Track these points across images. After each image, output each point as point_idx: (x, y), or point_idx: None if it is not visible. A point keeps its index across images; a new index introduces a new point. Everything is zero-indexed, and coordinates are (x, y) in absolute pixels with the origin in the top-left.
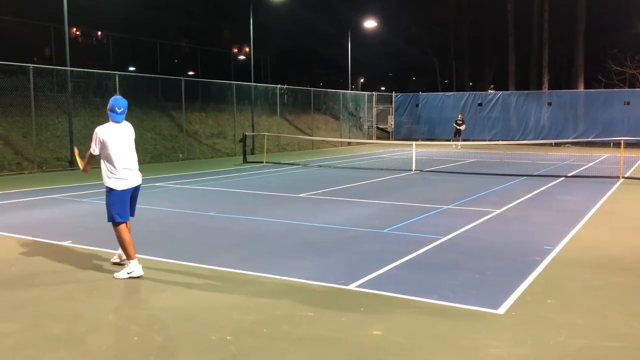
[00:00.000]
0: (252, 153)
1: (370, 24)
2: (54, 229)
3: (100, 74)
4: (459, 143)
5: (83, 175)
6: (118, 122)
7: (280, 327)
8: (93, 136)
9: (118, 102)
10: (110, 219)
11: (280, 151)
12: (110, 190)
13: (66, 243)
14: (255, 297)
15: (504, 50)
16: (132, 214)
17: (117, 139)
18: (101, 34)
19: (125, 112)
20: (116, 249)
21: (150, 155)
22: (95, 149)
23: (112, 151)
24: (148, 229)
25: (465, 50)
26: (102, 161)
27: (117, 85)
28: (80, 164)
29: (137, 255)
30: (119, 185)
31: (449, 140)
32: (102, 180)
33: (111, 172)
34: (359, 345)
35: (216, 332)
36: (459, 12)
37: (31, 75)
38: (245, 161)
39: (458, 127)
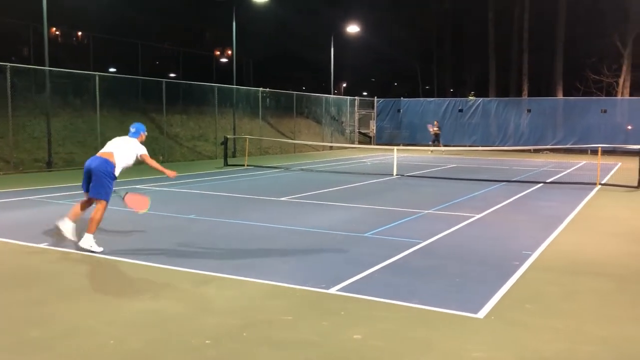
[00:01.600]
0: (234, 156)
1: (353, 29)
2: (31, 231)
3: (80, 74)
4: (442, 148)
5: (60, 178)
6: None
7: (260, 331)
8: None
9: (134, 124)
10: None
11: (262, 154)
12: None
13: (42, 245)
14: (235, 301)
15: (484, 57)
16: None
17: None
18: (81, 34)
19: (140, 132)
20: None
21: None
22: None
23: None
24: (126, 231)
25: (447, 56)
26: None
27: (97, 86)
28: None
29: (117, 257)
30: None
31: (429, 146)
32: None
33: None
34: (340, 350)
35: (195, 336)
36: (441, 19)
37: (8, 75)
38: (226, 164)
39: (434, 133)
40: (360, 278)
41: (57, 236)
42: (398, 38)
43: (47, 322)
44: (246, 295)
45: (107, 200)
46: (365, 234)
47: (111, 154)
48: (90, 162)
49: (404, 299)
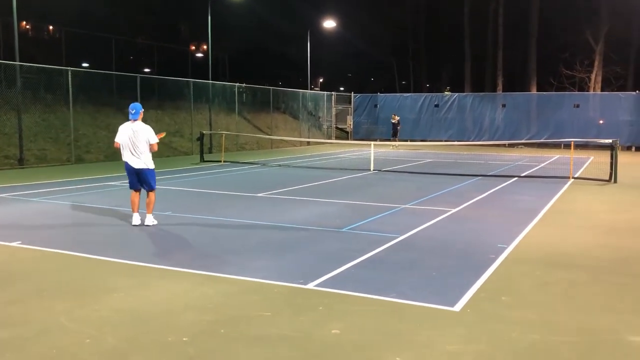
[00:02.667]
0: (210, 152)
1: (329, 24)
2: (2, 229)
3: (52, 69)
4: (397, 143)
5: (32, 174)
6: (131, 120)
7: (237, 328)
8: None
9: (131, 105)
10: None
11: (238, 150)
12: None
13: (15, 244)
14: (212, 298)
15: (460, 52)
16: (144, 188)
17: (123, 132)
18: (53, 28)
19: (139, 112)
20: (66, 249)
21: (104, 154)
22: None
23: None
24: (101, 229)
25: (422, 51)
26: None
27: (70, 81)
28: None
29: (88, 255)
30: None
31: (406, 141)
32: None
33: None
34: (318, 344)
35: (172, 333)
36: (416, 14)
37: None
38: (202, 160)
39: (394, 124)
40: (338, 273)
41: (29, 234)
42: (374, 33)
43: (18, 322)
44: (223, 292)
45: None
46: (342, 229)
47: (142, 157)
48: (135, 167)
49: (381, 293)
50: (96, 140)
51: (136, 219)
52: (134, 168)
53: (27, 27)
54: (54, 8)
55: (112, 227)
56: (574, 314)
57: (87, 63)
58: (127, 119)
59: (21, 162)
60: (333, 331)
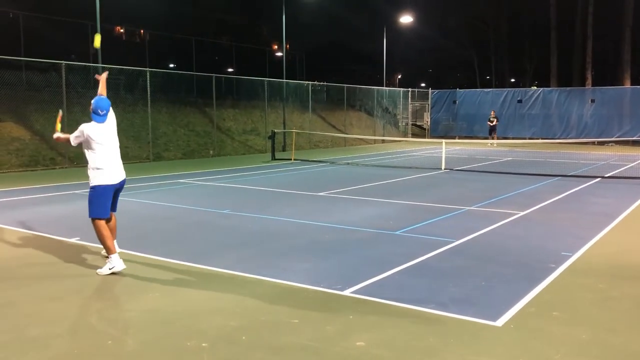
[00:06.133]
0: (283, 150)
1: (406, 19)
2: (67, 224)
3: (132, 70)
4: (495, 141)
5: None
6: (101, 122)
7: (260, 335)
8: (79, 130)
9: (101, 103)
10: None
11: (312, 148)
12: (93, 187)
13: (74, 240)
14: (244, 301)
15: (545, 44)
16: (114, 209)
17: (103, 137)
18: (144, 32)
19: (108, 113)
20: (121, 247)
21: (182, 151)
22: (74, 142)
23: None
24: (157, 226)
25: (505, 44)
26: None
27: (149, 82)
28: (58, 127)
29: (139, 253)
30: (104, 180)
31: (486, 138)
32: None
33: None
34: (339, 357)
35: (194, 337)
36: (498, 5)
37: (63, 72)
38: (273, 158)
39: (491, 125)
40: (379, 279)
41: (89, 230)
42: (453, 26)
43: (54, 319)
44: (257, 296)
45: None
46: (397, 232)
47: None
48: (120, 180)
49: (420, 303)
50: (175, 139)
51: (120, 262)
52: (121, 184)
53: (121, 31)
54: (142, 12)
55: (167, 225)
56: (635, 335)
57: (174, 64)
58: (206, 118)
59: None
60: (357, 343)
